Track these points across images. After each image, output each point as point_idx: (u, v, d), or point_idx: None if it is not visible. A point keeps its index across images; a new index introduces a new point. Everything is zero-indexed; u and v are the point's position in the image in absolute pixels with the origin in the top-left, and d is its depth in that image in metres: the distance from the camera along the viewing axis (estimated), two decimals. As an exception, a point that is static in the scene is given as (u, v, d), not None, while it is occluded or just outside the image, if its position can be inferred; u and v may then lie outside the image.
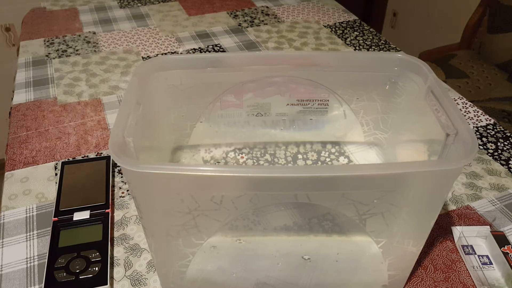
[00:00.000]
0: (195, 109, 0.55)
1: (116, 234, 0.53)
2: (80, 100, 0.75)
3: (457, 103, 0.75)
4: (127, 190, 0.58)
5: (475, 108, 0.74)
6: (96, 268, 0.46)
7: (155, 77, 0.48)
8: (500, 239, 0.50)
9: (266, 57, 0.50)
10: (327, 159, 0.60)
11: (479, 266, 0.49)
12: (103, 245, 0.49)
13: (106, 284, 0.45)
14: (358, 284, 0.45)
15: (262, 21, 1.02)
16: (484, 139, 0.67)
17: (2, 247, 0.51)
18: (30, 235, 0.52)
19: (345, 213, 0.38)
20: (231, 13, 1.05)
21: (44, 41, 0.93)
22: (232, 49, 0.90)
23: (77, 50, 0.90)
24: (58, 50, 0.90)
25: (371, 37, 0.95)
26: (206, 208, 0.37)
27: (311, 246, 0.42)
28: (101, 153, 0.64)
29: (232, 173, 0.33)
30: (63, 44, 0.92)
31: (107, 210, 0.53)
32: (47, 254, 0.48)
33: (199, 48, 0.91)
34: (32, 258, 0.50)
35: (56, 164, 0.62)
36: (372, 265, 0.44)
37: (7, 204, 0.56)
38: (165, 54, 0.89)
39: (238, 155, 0.61)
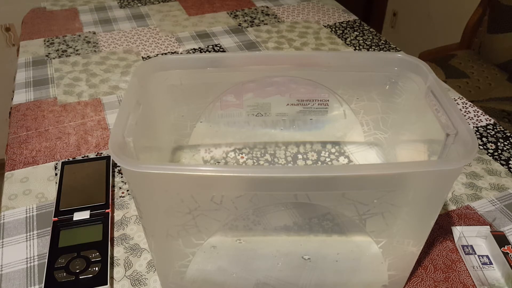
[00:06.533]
0: (195, 109, 0.55)
1: (116, 234, 0.53)
2: (80, 100, 0.75)
3: (457, 103, 0.75)
4: (127, 190, 0.58)
5: (475, 108, 0.74)
6: (96, 268, 0.46)
7: (155, 77, 0.48)
8: (500, 239, 0.50)
9: (266, 57, 0.50)
10: (327, 159, 0.60)
11: (479, 266, 0.49)
12: (103, 245, 0.49)
13: (106, 284, 0.45)
14: (358, 284, 0.45)
15: (262, 21, 1.02)
16: (484, 139, 0.67)
17: (2, 247, 0.51)
18: (30, 235, 0.52)
19: (345, 213, 0.38)
20: (231, 13, 1.05)
21: (44, 41, 0.93)
22: (232, 49, 0.90)
23: (77, 50, 0.90)
24: (58, 50, 0.90)
25: (371, 37, 0.95)
26: (206, 208, 0.37)
27: (311, 246, 0.42)
28: (101, 153, 0.64)
29: (232, 173, 0.33)
30: (63, 44, 0.92)
31: (107, 210, 0.53)
32: (47, 254, 0.48)
33: (199, 48, 0.91)
34: (32, 258, 0.50)
35: (56, 164, 0.62)
36: (372, 265, 0.44)
37: (7, 204, 0.56)
38: (165, 54, 0.89)
39: (238, 155, 0.61)
